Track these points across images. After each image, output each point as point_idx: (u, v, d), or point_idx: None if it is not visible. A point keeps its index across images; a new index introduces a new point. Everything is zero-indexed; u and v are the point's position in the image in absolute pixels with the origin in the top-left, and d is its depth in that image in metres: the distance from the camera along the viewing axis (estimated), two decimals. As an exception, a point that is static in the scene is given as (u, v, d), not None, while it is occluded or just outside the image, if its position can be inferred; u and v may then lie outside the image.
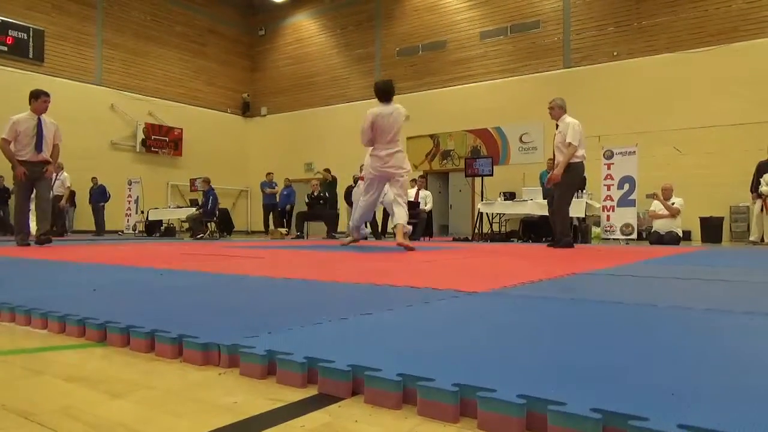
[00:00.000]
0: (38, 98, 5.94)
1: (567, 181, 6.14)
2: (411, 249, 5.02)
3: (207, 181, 12.09)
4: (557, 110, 6.25)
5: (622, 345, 1.10)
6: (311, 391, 0.86)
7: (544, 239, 9.93)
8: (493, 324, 1.38)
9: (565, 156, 5.99)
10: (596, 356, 0.99)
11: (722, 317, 1.48)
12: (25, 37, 13.63)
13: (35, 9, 13.98)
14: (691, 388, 0.78)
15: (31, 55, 13.63)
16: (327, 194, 11.98)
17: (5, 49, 13.27)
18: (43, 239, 5.83)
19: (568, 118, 6.19)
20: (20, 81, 13.17)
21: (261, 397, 0.83)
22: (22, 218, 6.03)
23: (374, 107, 5.37)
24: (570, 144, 5.97)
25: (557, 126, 6.22)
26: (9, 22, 13.37)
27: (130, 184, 14.33)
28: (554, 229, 6.41)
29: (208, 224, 12.12)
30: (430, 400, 0.75)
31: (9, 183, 12.17)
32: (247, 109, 19.08)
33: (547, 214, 9.71)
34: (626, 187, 9.22)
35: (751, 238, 9.16)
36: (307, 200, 11.95)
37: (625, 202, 9.20)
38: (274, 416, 0.75)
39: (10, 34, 13.36)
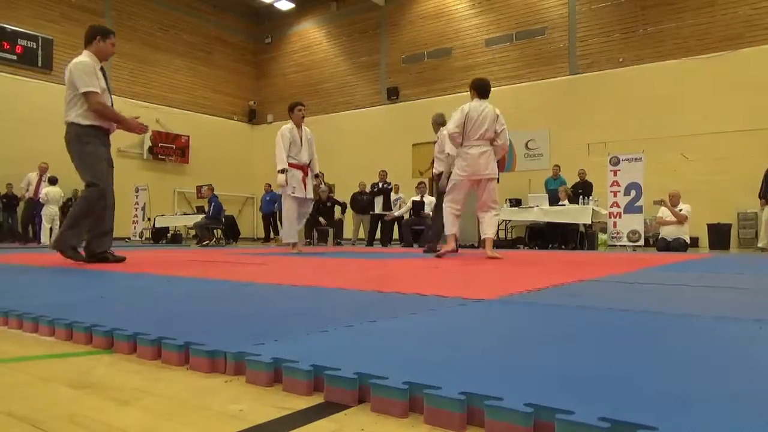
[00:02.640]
0: (107, 37, 4.18)
1: (442, 192, 6.52)
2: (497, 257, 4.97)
3: (211, 188, 12.19)
4: (435, 126, 6.65)
5: (630, 353, 1.09)
6: (317, 399, 0.85)
7: (550, 246, 9.91)
8: (500, 331, 1.37)
9: (446, 165, 6.29)
10: (604, 364, 0.98)
11: (731, 325, 1.47)
12: (35, 46, 13.77)
13: (45, 18, 14.14)
14: (700, 397, 0.77)
15: (40, 64, 13.76)
16: (334, 201, 12.04)
17: (14, 57, 13.41)
18: (106, 256, 4.00)
19: (444, 131, 6.47)
20: (29, 89, 13.32)
21: (267, 404, 0.83)
22: (105, 215, 3.99)
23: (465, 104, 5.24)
24: (449, 155, 6.29)
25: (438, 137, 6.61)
26: (19, 31, 13.52)
27: (137, 192, 14.41)
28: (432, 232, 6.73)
29: (214, 231, 12.17)
30: (436, 409, 0.74)
31: (17, 190, 12.30)
32: (253, 117, 19.18)
33: (540, 220, 9.80)
34: (633, 193, 9.19)
35: (760, 245, 9.10)
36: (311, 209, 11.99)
37: (631, 208, 9.17)
38: (281, 424, 0.75)
39: (19, 42, 13.51)
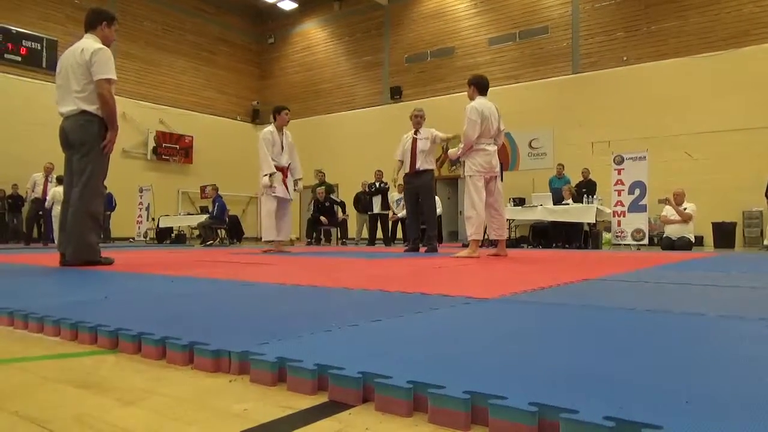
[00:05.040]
0: (112, 24, 3.94)
1: (432, 187, 6.72)
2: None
3: (215, 188, 12.23)
4: (422, 119, 6.70)
5: (634, 352, 1.09)
6: (322, 398, 0.85)
7: (554, 245, 9.89)
8: (503, 331, 1.37)
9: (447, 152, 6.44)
10: (609, 363, 0.98)
11: (736, 324, 1.46)
12: (39, 48, 13.81)
13: (49, 19, 14.19)
14: (706, 396, 0.77)
15: (44, 65, 13.80)
16: (332, 200, 12.06)
17: (19, 59, 13.46)
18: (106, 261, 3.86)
19: (432, 129, 6.68)
20: (34, 91, 13.36)
21: (271, 404, 0.83)
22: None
23: (474, 101, 5.13)
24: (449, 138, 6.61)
25: (418, 132, 6.66)
26: (23, 32, 13.57)
27: (141, 192, 14.45)
28: (427, 234, 6.74)
29: (218, 231, 12.20)
30: (441, 408, 0.74)
31: (22, 191, 12.34)
32: (256, 117, 19.20)
33: (544, 219, 9.78)
34: (637, 192, 9.17)
35: (765, 243, 9.06)
36: (312, 209, 12.04)
37: (636, 207, 9.15)
38: (285, 423, 0.75)
39: (24, 44, 13.55)
